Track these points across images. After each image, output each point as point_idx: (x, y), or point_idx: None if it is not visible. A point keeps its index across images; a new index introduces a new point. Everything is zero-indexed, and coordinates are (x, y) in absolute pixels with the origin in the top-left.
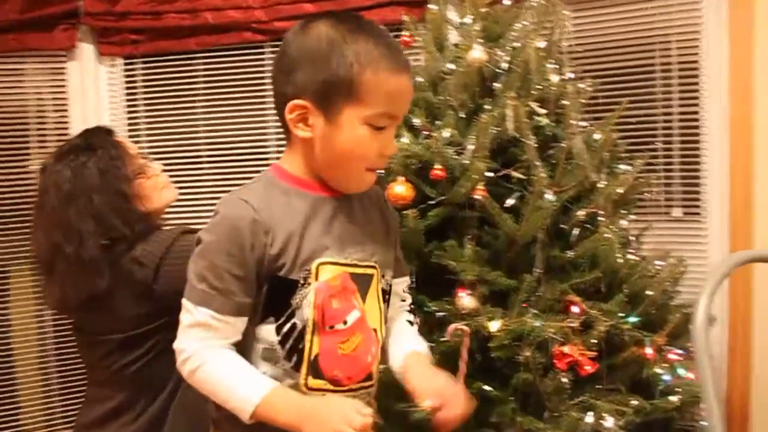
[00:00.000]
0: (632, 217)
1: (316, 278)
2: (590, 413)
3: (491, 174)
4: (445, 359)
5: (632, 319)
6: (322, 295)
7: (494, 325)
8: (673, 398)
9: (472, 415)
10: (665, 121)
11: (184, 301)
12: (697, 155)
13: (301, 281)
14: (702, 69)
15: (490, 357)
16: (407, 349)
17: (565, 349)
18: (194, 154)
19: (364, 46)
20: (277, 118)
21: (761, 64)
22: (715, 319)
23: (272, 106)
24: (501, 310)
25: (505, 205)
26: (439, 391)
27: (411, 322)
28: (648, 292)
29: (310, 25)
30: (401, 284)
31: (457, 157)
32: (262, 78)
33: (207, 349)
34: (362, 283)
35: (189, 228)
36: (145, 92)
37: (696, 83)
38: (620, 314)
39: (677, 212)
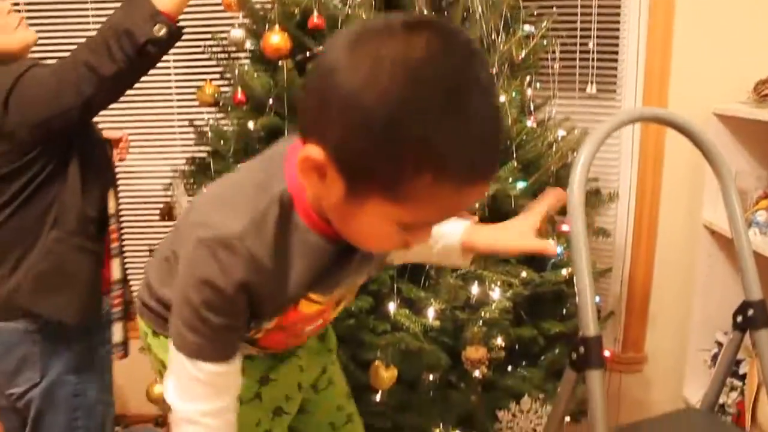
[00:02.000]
0: (538, 86)
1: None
2: (476, 283)
3: None
4: None
5: (520, 185)
6: (291, 319)
7: None
8: (564, 271)
9: None
10: None
11: (174, 350)
12: (616, 29)
13: None
14: None
15: None
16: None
17: None
18: None
19: (445, 135)
20: None
21: None
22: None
23: None
24: None
25: None
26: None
27: None
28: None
29: (383, 56)
30: None
31: (339, 5)
32: None
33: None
34: (340, 298)
35: (41, 62)
36: None
37: None
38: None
39: (592, 88)
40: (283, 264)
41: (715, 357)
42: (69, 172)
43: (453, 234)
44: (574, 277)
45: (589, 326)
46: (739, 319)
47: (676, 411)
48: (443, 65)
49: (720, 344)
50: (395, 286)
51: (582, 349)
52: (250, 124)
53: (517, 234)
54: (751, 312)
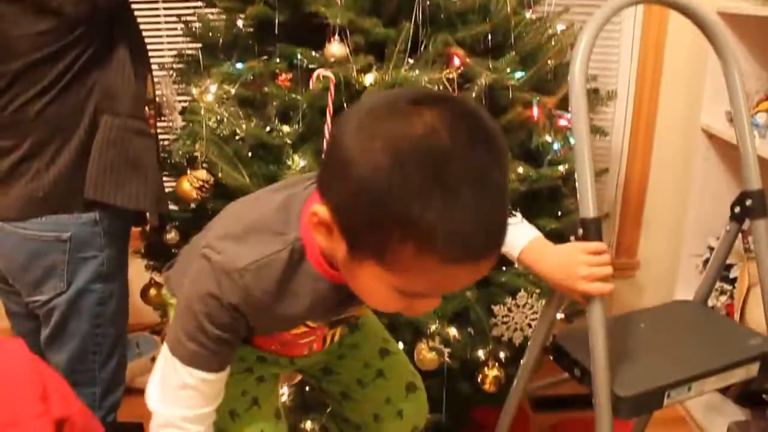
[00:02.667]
0: None
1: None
2: None
3: None
4: (312, 111)
5: (518, 74)
6: (282, 338)
7: (369, 78)
8: (561, 167)
9: None
10: None
11: (168, 355)
12: None
13: None
14: None
15: None
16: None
17: None
18: None
19: (430, 213)
20: None
21: None
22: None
23: None
24: (375, 61)
25: None
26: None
27: None
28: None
29: (380, 132)
30: None
31: None
32: None
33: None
34: (335, 322)
35: None
36: None
37: None
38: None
39: None
40: (282, 302)
41: (707, 262)
42: (114, 57)
43: (514, 247)
44: (575, 162)
45: (589, 208)
46: (737, 209)
47: (670, 302)
48: (438, 144)
49: (712, 249)
50: None
51: (581, 232)
52: (240, 23)
53: (565, 276)
54: (749, 202)
